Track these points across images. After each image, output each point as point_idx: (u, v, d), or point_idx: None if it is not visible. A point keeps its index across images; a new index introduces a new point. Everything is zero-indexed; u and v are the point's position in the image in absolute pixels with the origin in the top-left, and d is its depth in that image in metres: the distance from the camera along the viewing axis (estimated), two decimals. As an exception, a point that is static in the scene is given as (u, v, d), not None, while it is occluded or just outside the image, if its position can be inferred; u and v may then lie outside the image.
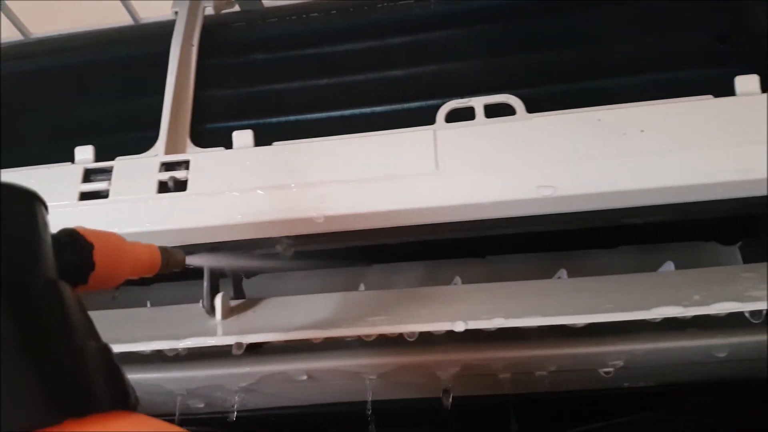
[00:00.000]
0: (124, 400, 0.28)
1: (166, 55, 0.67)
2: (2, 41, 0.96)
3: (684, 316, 0.51)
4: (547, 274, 0.68)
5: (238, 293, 0.72)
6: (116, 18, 0.94)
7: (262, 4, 0.91)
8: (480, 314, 0.55)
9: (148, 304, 0.71)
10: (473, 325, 0.53)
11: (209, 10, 0.71)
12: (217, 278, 0.64)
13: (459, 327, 0.53)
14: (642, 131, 0.52)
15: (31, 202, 0.31)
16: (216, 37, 0.70)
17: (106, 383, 0.28)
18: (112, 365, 0.29)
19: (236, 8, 0.75)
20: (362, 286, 0.68)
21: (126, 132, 0.68)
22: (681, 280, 0.61)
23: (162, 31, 0.75)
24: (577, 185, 0.51)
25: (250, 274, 0.74)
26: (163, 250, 0.47)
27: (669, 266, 0.64)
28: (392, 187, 0.54)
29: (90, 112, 0.72)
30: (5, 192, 0.30)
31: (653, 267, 0.67)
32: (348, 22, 0.69)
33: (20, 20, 0.95)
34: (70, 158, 0.61)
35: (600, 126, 0.53)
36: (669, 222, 0.65)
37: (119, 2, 0.86)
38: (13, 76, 0.75)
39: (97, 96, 0.72)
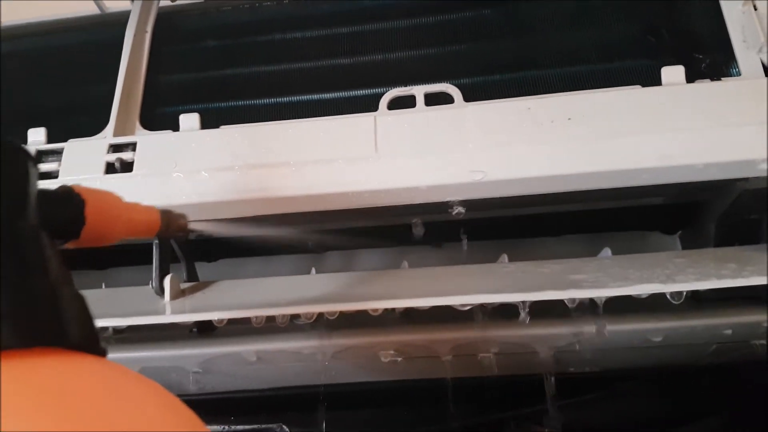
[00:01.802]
0: (94, 344, 0.30)
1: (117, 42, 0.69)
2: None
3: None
4: (492, 260, 0.70)
5: (192, 277, 0.73)
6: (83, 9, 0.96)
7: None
8: (422, 294, 0.57)
9: (103, 286, 0.73)
10: (413, 303, 0.55)
11: (165, 2, 0.72)
12: (167, 261, 0.66)
13: (400, 305, 0.55)
14: (569, 119, 0.54)
15: (19, 156, 0.33)
16: (171, 25, 0.71)
17: (78, 324, 0.29)
18: (85, 312, 0.31)
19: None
20: (313, 271, 0.69)
21: (81, 117, 0.69)
22: (613, 264, 0.64)
23: (122, 20, 0.76)
24: (505, 170, 0.53)
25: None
26: (164, 213, 0.48)
27: (606, 252, 0.67)
28: (333, 169, 0.56)
29: (46, 97, 0.73)
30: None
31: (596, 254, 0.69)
32: (299, 11, 0.70)
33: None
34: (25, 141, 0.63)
35: (529, 114, 0.55)
36: (612, 210, 0.68)
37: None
38: None
39: (53, 81, 0.73)
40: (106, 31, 0.77)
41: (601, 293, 0.54)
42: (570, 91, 0.58)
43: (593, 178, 0.53)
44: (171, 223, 0.49)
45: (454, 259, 0.77)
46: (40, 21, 0.92)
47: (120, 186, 0.57)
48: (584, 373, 0.69)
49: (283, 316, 0.65)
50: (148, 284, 0.68)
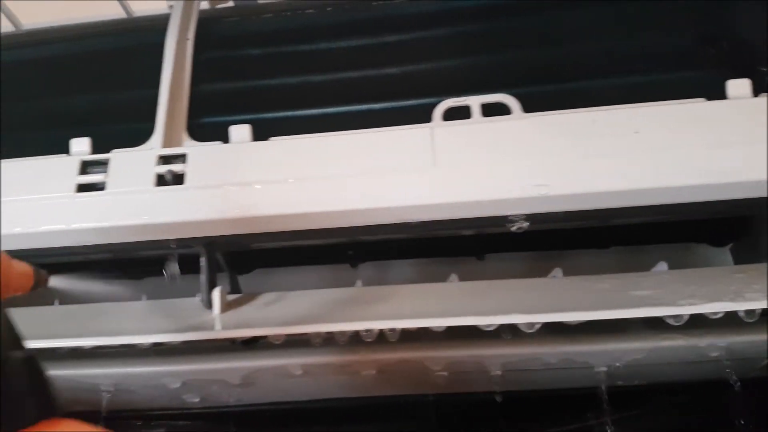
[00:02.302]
0: (50, 410, 0.28)
1: (157, 47, 0.67)
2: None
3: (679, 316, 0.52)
4: (542, 273, 0.69)
5: (235, 288, 0.72)
6: (109, 12, 0.94)
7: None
8: (474, 312, 0.55)
9: (144, 298, 0.71)
10: (464, 322, 0.54)
11: (204, 5, 0.71)
12: (215, 273, 0.64)
13: (453, 322, 0.53)
14: (636, 132, 0.53)
15: None
16: (210, 32, 0.70)
17: (30, 395, 0.28)
18: (37, 375, 0.29)
19: (230, 3, 0.75)
20: (359, 283, 0.68)
21: (115, 123, 0.68)
22: (673, 279, 0.62)
23: (153, 24, 0.75)
24: (571, 184, 0.52)
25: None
26: (35, 268, 0.47)
27: (662, 266, 0.65)
28: (389, 182, 0.55)
29: (79, 103, 0.71)
30: None
31: (645, 268, 0.68)
32: (343, 18, 0.69)
33: (11, 12, 0.95)
34: (61, 149, 0.61)
35: (595, 127, 0.53)
36: (660, 223, 0.66)
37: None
38: (3, 66, 0.75)
39: (86, 87, 0.72)
40: (136, 35, 0.76)
41: (673, 311, 0.52)
42: (622, 101, 0.57)
43: (662, 193, 0.52)
44: (40, 278, 0.49)
45: (501, 271, 0.76)
46: (64, 25, 0.91)
47: (172, 199, 0.56)
48: (637, 386, 0.68)
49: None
50: (186, 295, 0.67)
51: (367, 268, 0.81)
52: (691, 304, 0.53)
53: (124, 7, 0.93)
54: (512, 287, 0.63)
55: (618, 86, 0.60)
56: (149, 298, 0.72)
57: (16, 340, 0.31)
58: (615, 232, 0.71)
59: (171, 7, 0.69)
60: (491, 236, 0.66)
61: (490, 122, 0.56)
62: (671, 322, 0.54)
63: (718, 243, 0.75)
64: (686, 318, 0.54)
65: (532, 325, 0.56)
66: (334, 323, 0.56)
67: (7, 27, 0.96)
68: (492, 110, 0.58)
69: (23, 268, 0.45)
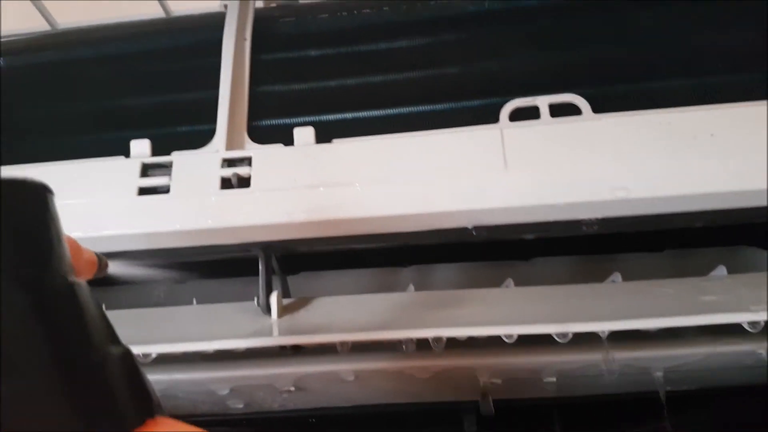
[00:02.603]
0: (148, 409, 0.27)
1: (207, 46, 0.66)
2: (28, 32, 0.95)
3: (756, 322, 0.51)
4: (593, 277, 0.68)
5: (286, 292, 0.71)
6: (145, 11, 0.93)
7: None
8: (533, 319, 0.55)
9: (194, 302, 0.70)
10: (526, 330, 0.53)
11: (259, 4, 0.70)
12: (270, 276, 0.63)
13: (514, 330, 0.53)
14: (712, 135, 0.52)
15: (44, 195, 0.29)
16: (266, 32, 0.69)
17: (130, 395, 0.26)
18: (135, 372, 0.28)
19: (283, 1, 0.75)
20: (411, 287, 0.67)
21: (172, 125, 0.67)
22: (736, 284, 0.61)
23: (200, 24, 0.74)
24: (651, 187, 0.51)
25: None
26: (98, 255, 0.47)
27: (721, 270, 0.64)
28: (460, 185, 0.54)
29: (133, 103, 0.70)
30: (18, 185, 0.27)
31: (700, 271, 0.67)
32: (402, 18, 0.68)
33: (47, 10, 0.94)
34: (111, 149, 0.60)
35: (670, 128, 0.52)
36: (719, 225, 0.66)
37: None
38: (43, 66, 0.74)
39: (136, 87, 0.71)
40: (183, 35, 0.75)
41: (750, 317, 0.52)
42: (696, 102, 0.56)
43: (743, 196, 0.51)
44: (102, 264, 0.48)
45: (550, 275, 0.75)
46: (105, 24, 0.90)
47: (239, 202, 0.55)
48: (695, 390, 0.67)
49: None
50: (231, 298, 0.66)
51: (412, 272, 0.80)
52: (763, 309, 0.53)
53: (164, 7, 0.93)
54: (574, 293, 0.62)
55: (690, 87, 0.59)
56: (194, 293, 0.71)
57: (112, 333, 0.29)
58: (668, 234, 0.71)
59: (225, 6, 0.68)
60: (539, 239, 0.65)
61: (561, 123, 0.55)
62: (749, 328, 0.54)
63: (768, 245, 0.74)
64: (763, 324, 0.54)
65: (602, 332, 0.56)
66: (401, 330, 0.55)
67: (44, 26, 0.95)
68: (560, 111, 0.57)
69: (89, 254, 0.45)
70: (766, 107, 0.53)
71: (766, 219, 0.62)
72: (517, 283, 0.65)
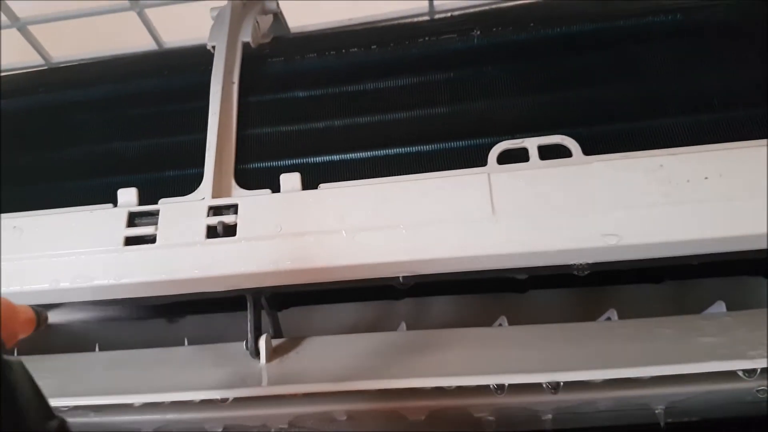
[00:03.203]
0: None
1: (196, 87, 0.66)
2: (16, 66, 0.96)
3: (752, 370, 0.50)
4: (591, 310, 0.67)
5: (277, 330, 0.70)
6: (139, 40, 0.94)
7: (288, 29, 0.90)
8: (524, 365, 0.54)
9: (186, 342, 0.70)
10: (516, 380, 0.52)
11: (245, 40, 0.70)
12: (260, 319, 0.63)
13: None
14: (706, 178, 0.51)
15: None
16: (254, 72, 0.69)
17: None
18: None
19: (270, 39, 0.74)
20: (403, 325, 0.66)
21: (157, 170, 0.66)
22: (736, 323, 0.60)
23: (189, 63, 0.73)
24: (642, 234, 0.50)
25: None
26: (36, 309, 0.46)
27: (720, 306, 0.63)
28: (446, 232, 0.53)
29: (121, 147, 0.70)
30: None
31: (700, 303, 0.66)
32: (388, 56, 0.68)
33: (39, 42, 0.94)
34: (100, 195, 0.60)
35: (662, 171, 0.51)
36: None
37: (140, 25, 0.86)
38: (29, 110, 0.74)
39: (125, 130, 0.71)
40: (173, 75, 0.74)
41: (746, 365, 0.50)
42: (691, 141, 0.55)
43: (738, 240, 0.50)
44: (41, 317, 0.47)
45: (547, 308, 0.74)
46: (98, 59, 0.90)
47: (224, 251, 0.54)
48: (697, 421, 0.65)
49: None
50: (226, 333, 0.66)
51: (406, 305, 0.80)
52: (761, 356, 0.51)
53: (156, 39, 0.93)
54: (567, 334, 0.61)
55: (684, 125, 0.58)
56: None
57: (46, 408, 0.29)
58: (668, 266, 0.70)
59: (213, 48, 0.67)
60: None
61: (550, 166, 0.54)
62: (743, 376, 0.52)
63: (777, 277, 0.72)
64: (759, 372, 0.52)
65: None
66: (387, 380, 0.55)
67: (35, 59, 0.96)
68: (551, 152, 0.56)
69: (26, 313, 0.44)
70: (760, 148, 0.52)
71: (765, 256, 0.61)
72: (513, 316, 0.65)
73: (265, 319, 0.67)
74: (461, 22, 0.71)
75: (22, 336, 0.44)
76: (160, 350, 0.68)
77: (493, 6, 0.78)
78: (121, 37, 0.95)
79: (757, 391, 0.57)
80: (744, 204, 0.50)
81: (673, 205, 0.50)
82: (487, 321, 0.67)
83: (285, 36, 0.82)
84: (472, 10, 0.74)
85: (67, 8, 0.91)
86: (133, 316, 0.73)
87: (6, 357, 0.28)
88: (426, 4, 0.89)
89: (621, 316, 0.64)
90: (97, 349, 0.70)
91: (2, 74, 0.94)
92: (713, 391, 0.58)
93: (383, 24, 0.86)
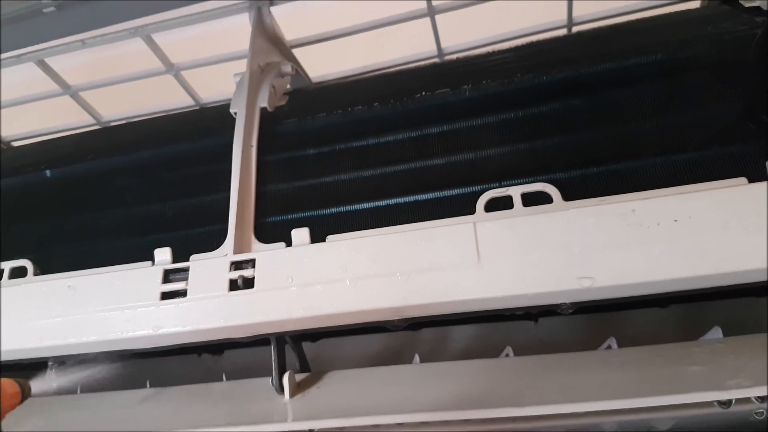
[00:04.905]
0: None
1: (222, 149, 0.74)
2: (70, 126, 1.08)
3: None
4: (600, 337, 0.70)
5: (303, 364, 0.77)
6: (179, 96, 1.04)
7: (310, 80, 0.98)
8: (525, 398, 0.58)
9: (224, 377, 0.78)
10: (536, 412, 0.56)
11: (263, 104, 0.78)
12: (284, 358, 0.70)
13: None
14: (675, 221, 0.54)
15: None
16: (271, 133, 0.77)
17: None
18: None
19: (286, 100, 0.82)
20: (417, 358, 0.72)
21: (189, 227, 0.75)
22: (728, 349, 0.62)
23: (217, 124, 0.81)
24: (615, 276, 0.54)
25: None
26: (19, 382, 0.50)
27: (716, 333, 0.65)
28: (438, 278, 0.58)
29: (156, 208, 0.79)
30: None
31: (706, 325, 0.68)
32: (388, 112, 0.74)
33: (90, 105, 1.06)
34: (140, 252, 0.68)
35: (635, 216, 0.55)
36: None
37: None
38: (83, 175, 0.84)
39: (162, 192, 0.80)
40: (205, 139, 0.82)
41: (719, 396, 0.53)
42: (666, 181, 0.58)
43: (707, 279, 0.53)
44: (26, 389, 0.51)
45: (555, 335, 0.78)
46: (140, 121, 1.01)
47: (244, 302, 0.62)
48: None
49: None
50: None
51: (424, 334, 0.85)
52: (738, 386, 0.54)
53: (192, 95, 1.03)
54: (568, 363, 0.65)
55: (659, 165, 0.61)
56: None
57: None
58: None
59: (235, 114, 0.76)
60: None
61: (531, 214, 0.59)
62: (719, 408, 0.55)
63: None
64: (734, 401, 0.55)
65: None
66: (403, 414, 0.60)
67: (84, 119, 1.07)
68: (534, 198, 0.61)
69: (11, 389, 0.48)
70: (727, 189, 0.55)
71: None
72: (521, 343, 0.69)
73: (292, 354, 0.75)
74: (446, 73, 0.78)
75: (9, 410, 0.47)
76: (195, 386, 0.76)
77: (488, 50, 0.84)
78: (163, 95, 1.06)
79: (756, 413, 0.60)
80: (713, 243, 0.53)
81: (644, 247, 0.54)
82: (499, 345, 0.72)
83: (300, 90, 0.90)
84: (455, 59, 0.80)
85: (112, 74, 1.03)
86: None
87: None
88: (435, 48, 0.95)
89: (630, 341, 0.67)
90: (148, 385, 0.79)
91: (57, 136, 1.07)
92: (713, 413, 0.61)
93: (392, 71, 0.93)
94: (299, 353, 0.76)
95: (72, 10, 0.89)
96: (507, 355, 0.70)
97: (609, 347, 0.69)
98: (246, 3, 0.84)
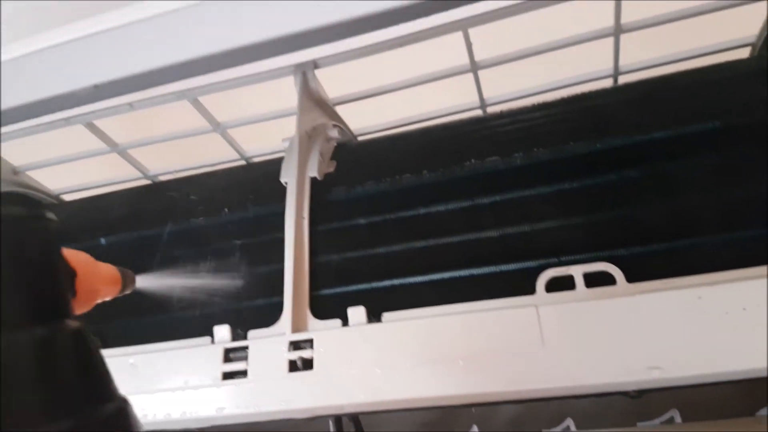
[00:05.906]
0: None
1: (273, 217, 0.75)
2: (118, 180, 1.09)
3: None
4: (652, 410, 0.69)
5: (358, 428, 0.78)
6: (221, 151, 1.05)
7: (354, 136, 0.98)
8: None
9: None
10: None
11: (312, 173, 0.78)
12: (342, 427, 0.71)
13: None
14: (744, 309, 0.53)
15: (49, 229, 0.26)
16: (321, 201, 0.77)
17: None
18: (133, 422, 0.28)
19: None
20: (475, 428, 0.72)
21: (244, 299, 0.75)
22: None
23: (267, 188, 0.81)
24: (683, 366, 0.53)
25: None
26: (122, 271, 0.47)
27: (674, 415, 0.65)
28: (500, 364, 0.58)
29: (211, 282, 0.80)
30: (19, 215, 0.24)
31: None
32: (437, 180, 0.74)
33: (136, 159, 1.08)
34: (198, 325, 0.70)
35: (701, 303, 0.54)
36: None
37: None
38: (136, 243, 0.85)
39: (215, 263, 0.80)
40: (257, 207, 0.82)
41: None
42: (735, 262, 0.57)
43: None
44: (128, 281, 0.48)
45: (612, 408, 0.77)
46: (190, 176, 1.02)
47: (304, 384, 0.62)
48: None
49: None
50: None
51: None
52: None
53: (239, 152, 1.04)
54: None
55: (722, 243, 0.60)
56: None
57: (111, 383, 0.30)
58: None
59: (286, 183, 0.76)
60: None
61: (596, 298, 0.58)
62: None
63: None
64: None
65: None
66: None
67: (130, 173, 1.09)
68: (595, 277, 0.60)
69: (109, 271, 0.45)
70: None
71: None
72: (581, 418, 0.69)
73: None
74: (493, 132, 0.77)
75: (104, 297, 0.44)
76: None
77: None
78: (207, 149, 1.07)
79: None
80: (786, 333, 0.52)
81: (713, 336, 0.53)
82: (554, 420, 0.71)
83: (345, 146, 0.90)
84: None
85: (159, 130, 1.04)
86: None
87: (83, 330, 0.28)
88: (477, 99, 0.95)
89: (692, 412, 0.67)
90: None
91: (109, 191, 1.09)
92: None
93: (437, 124, 0.92)
94: (356, 423, 0.77)
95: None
96: (568, 427, 0.69)
97: (671, 419, 0.68)
98: (291, 67, 0.84)
